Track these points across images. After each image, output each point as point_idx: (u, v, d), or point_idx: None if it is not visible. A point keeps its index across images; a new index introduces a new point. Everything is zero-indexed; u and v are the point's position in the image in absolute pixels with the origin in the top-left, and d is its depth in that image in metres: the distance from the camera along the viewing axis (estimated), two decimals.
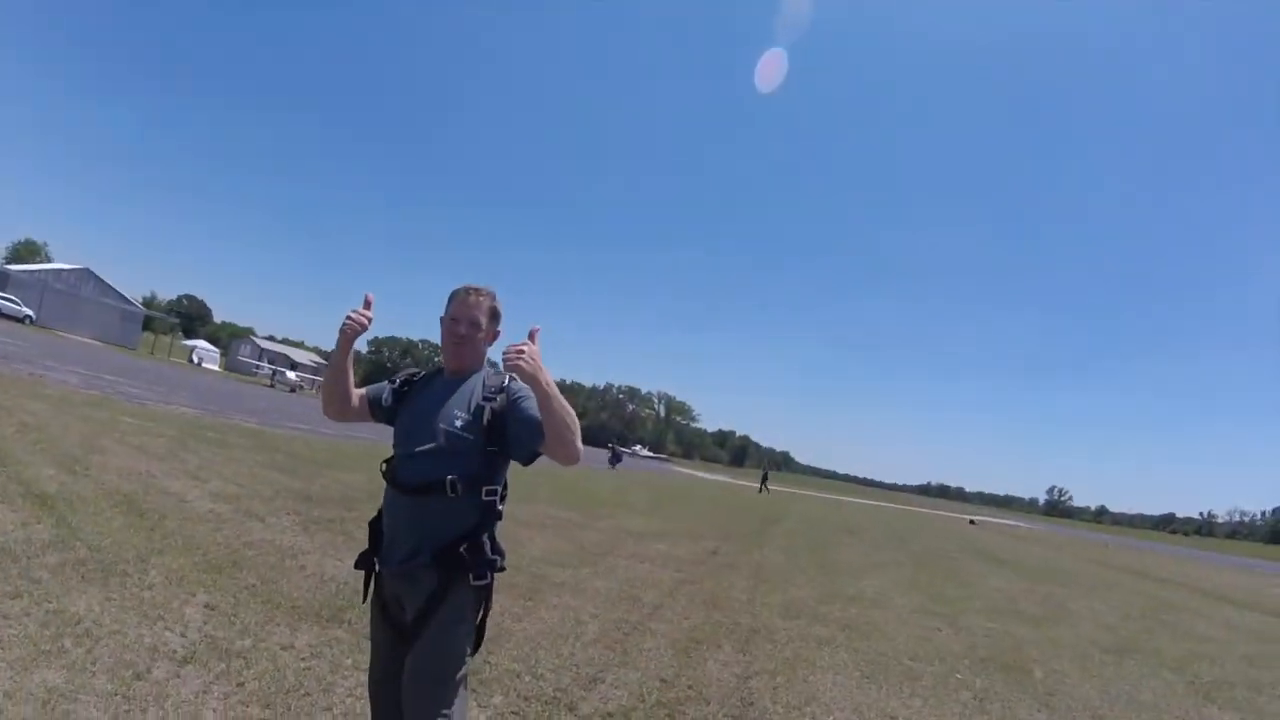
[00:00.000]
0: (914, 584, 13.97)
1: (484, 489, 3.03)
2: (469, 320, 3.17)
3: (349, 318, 3.15)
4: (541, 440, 2.94)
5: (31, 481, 7.50)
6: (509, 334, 3.23)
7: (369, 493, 11.92)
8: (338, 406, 3.34)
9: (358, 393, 3.35)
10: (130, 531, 6.64)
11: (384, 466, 3.20)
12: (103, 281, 66.57)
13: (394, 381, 3.38)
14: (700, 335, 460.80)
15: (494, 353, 3.27)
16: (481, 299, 3.21)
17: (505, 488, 3.16)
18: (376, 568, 3.20)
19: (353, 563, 7.04)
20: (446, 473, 2.96)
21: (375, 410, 3.34)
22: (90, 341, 56.32)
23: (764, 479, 57.65)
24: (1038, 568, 23.09)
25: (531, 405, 2.95)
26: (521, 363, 2.78)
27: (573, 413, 2.89)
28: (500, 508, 3.12)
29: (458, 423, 3.02)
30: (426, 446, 3.03)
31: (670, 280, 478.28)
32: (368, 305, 3.20)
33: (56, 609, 4.60)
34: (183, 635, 4.68)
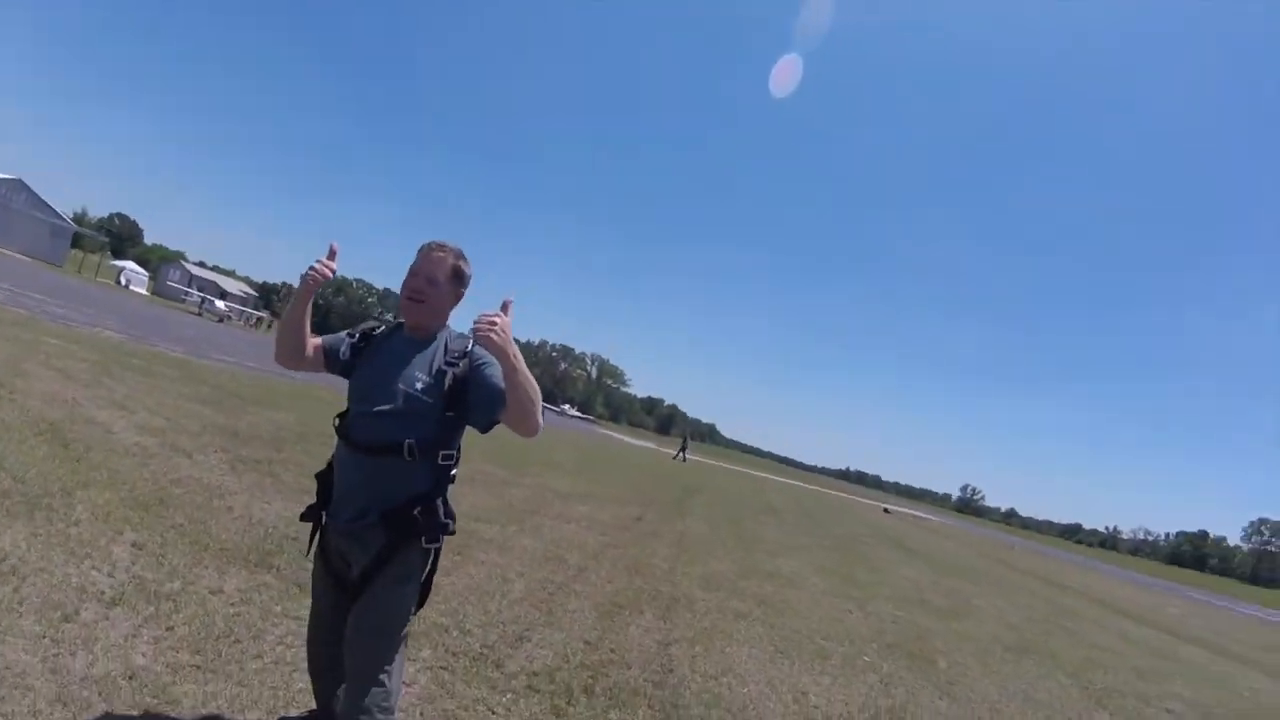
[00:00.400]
0: (828, 566, 14.26)
1: (440, 453, 3.03)
2: (427, 276, 3.11)
3: (313, 268, 3.06)
4: (503, 410, 2.97)
5: None
6: (482, 298, 3.15)
7: (297, 433, 11.89)
8: (291, 355, 3.24)
9: (314, 342, 3.27)
10: (55, 462, 6.47)
11: (337, 421, 3.18)
12: (34, 194, 64.17)
13: (353, 335, 3.31)
14: (640, 301, 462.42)
15: (458, 320, 3.24)
16: (444, 255, 3.15)
17: (459, 452, 3.16)
18: (323, 521, 3.18)
19: (281, 507, 7.11)
20: (404, 436, 2.94)
21: (330, 362, 3.27)
22: (17, 256, 54.53)
23: (683, 447, 57.96)
24: (947, 562, 23.62)
25: (495, 373, 2.96)
26: (492, 335, 2.75)
27: (536, 386, 2.94)
28: (454, 472, 3.15)
29: (418, 385, 2.99)
30: (384, 407, 2.99)
31: (618, 244, 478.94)
32: (332, 255, 3.11)
33: None
34: (110, 575, 4.59)
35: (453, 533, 3.13)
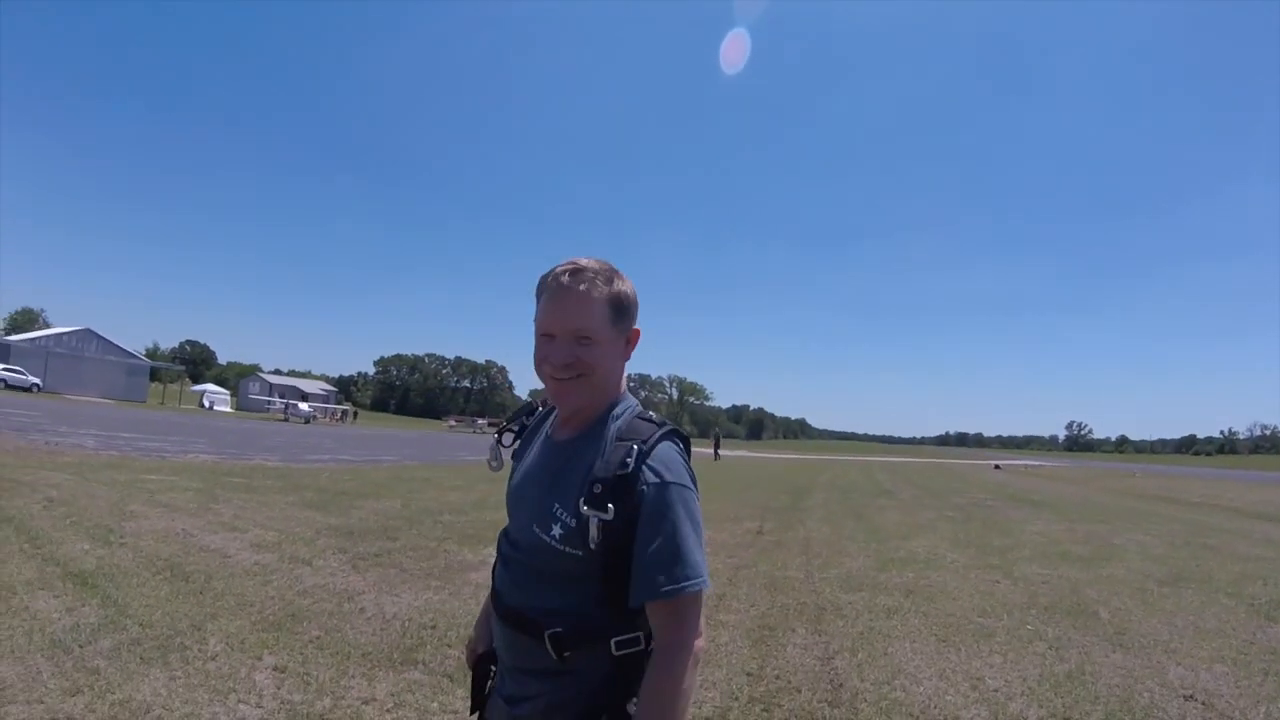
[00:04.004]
0: (960, 538, 13.89)
1: (614, 640, 1.71)
2: (573, 332, 1.76)
3: None
4: (663, 599, 1.63)
5: (68, 560, 7.32)
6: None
7: (407, 518, 11.97)
8: None
9: None
10: (179, 599, 6.45)
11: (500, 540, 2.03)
12: (104, 339, 67.18)
13: (501, 434, 2.15)
14: (706, 315, 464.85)
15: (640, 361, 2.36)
16: (587, 289, 1.76)
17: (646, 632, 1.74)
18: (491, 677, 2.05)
19: (411, 598, 7.04)
20: (545, 610, 1.76)
21: None
22: (100, 400, 56.50)
23: (716, 445, 58.03)
24: (1073, 506, 23.03)
25: (671, 522, 1.65)
26: None
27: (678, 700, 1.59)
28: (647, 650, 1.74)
29: (556, 529, 1.72)
30: (515, 552, 1.88)
31: (669, 264, 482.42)
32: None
33: (121, 699, 4.34)
34: (259, 706, 4.46)
35: None
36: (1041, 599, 8.65)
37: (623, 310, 1.82)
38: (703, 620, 1.68)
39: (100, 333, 67.11)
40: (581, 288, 1.75)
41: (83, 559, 7.43)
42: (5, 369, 56.09)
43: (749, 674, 5.66)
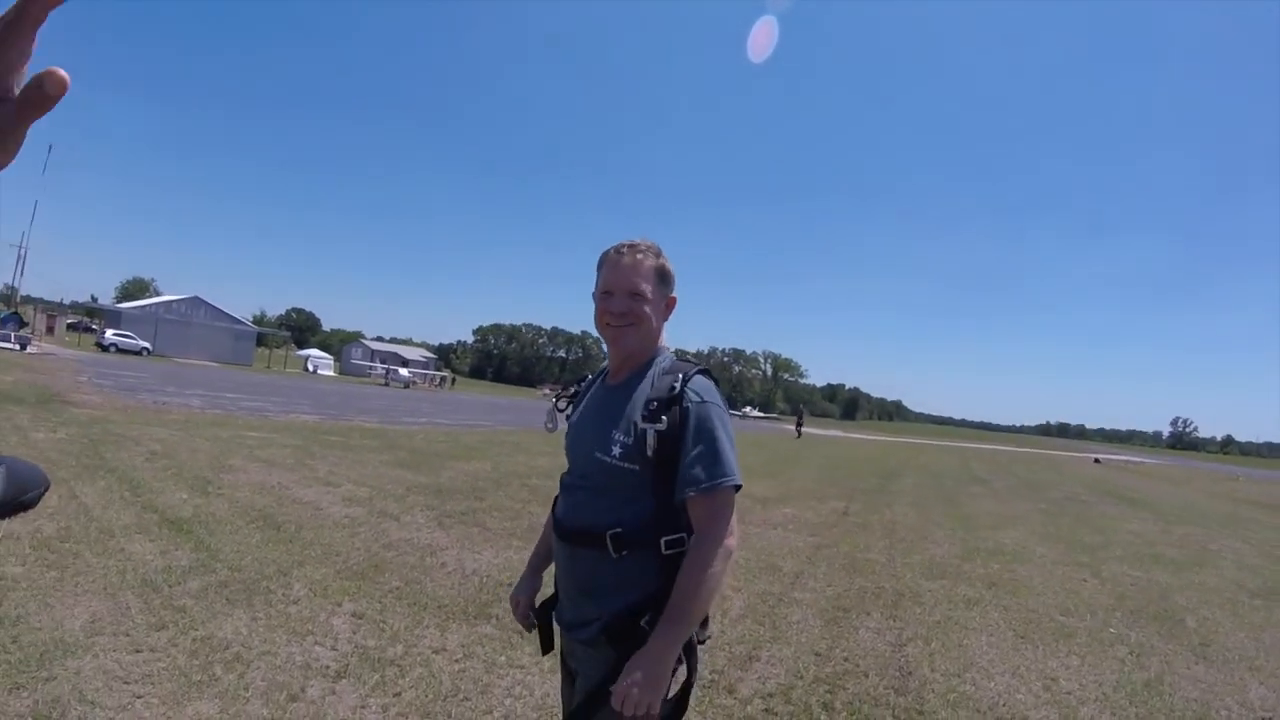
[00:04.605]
0: (1051, 533, 13.55)
1: (664, 540, 2.12)
2: (628, 290, 2.26)
3: None
4: (702, 496, 2.08)
5: (165, 508, 7.63)
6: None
7: (494, 480, 12.29)
8: None
9: None
10: (269, 546, 6.71)
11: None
12: (213, 306, 69.68)
13: (558, 399, 2.61)
14: (803, 291, 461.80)
15: (673, 334, 2.46)
16: (642, 257, 2.29)
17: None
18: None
19: (491, 556, 7.31)
20: (605, 520, 2.16)
21: None
22: (207, 364, 58.45)
23: (799, 423, 57.70)
24: (1171, 507, 22.20)
25: (708, 433, 2.12)
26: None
27: (703, 596, 2.03)
28: None
29: (616, 449, 2.16)
30: (579, 480, 2.31)
31: (766, 238, 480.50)
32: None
33: (203, 636, 4.56)
34: (333, 649, 4.64)
35: (703, 640, 2.28)
36: (1128, 601, 8.41)
37: (665, 278, 2.36)
38: (735, 520, 2.14)
39: (208, 300, 69.62)
40: (638, 256, 2.30)
41: (180, 507, 7.75)
42: (116, 334, 58.28)
43: (817, 654, 5.64)
